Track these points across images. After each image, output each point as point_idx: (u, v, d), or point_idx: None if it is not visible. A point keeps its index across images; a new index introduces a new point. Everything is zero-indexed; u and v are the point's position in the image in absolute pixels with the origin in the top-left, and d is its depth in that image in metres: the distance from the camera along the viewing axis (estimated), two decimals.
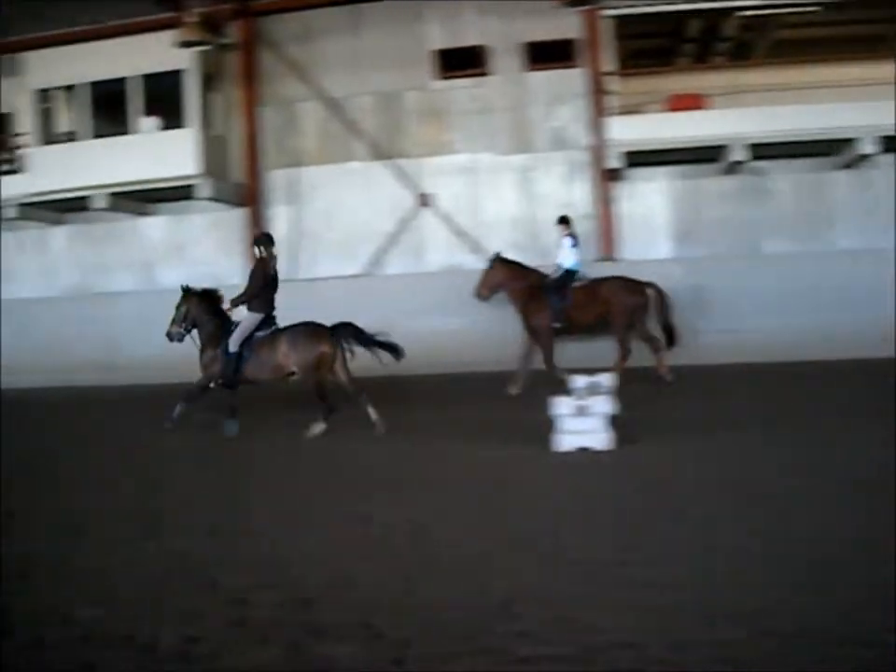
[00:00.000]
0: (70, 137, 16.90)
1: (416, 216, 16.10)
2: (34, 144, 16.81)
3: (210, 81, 16.61)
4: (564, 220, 12.49)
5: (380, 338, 9.12)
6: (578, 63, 15.65)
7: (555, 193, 15.75)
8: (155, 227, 17.50)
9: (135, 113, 16.35)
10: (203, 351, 9.37)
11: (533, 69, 15.84)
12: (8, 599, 4.06)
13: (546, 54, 15.70)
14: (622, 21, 15.07)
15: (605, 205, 15.52)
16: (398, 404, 10.39)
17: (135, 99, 16.30)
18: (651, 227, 15.61)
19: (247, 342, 9.12)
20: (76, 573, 4.49)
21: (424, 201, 16.07)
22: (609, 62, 15.30)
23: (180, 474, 7.50)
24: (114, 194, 16.45)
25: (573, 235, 12.35)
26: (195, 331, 9.59)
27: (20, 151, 17.28)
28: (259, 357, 9.09)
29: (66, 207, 17.24)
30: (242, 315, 9.28)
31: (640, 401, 8.14)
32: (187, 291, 9.60)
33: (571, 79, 15.64)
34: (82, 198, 16.50)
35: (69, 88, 16.87)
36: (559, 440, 7.28)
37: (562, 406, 7.27)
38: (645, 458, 6.92)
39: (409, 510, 5.54)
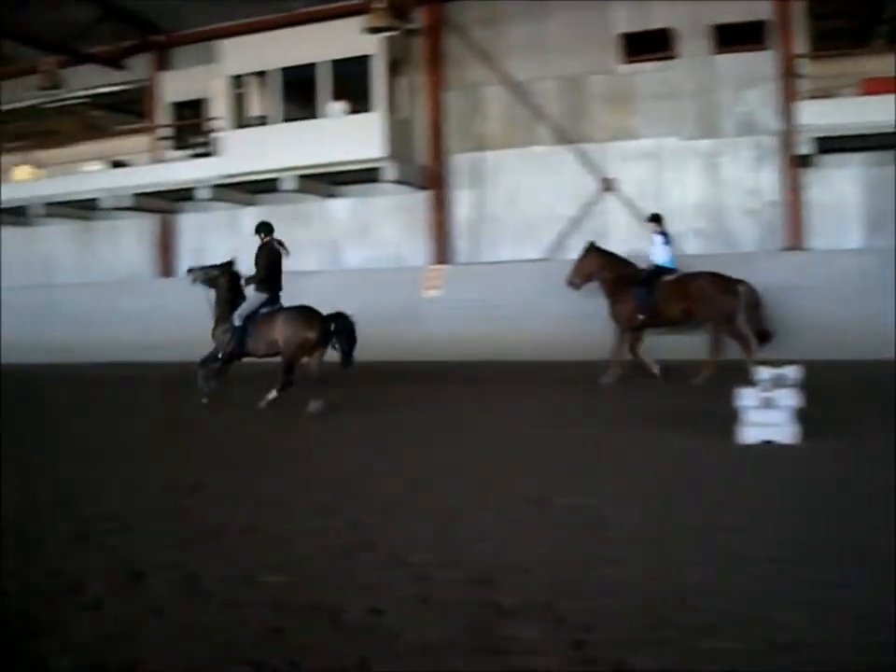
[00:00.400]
0: (261, 121, 18.60)
1: (599, 200, 17.10)
2: (227, 128, 18.61)
3: (396, 66, 17.99)
4: (655, 219, 13.23)
5: (350, 341, 10.16)
6: (768, 46, 16.19)
7: (742, 179, 16.43)
8: (341, 208, 19.13)
9: (324, 98, 17.87)
10: (216, 323, 10.79)
11: (721, 52, 16.50)
12: (203, 562, 4.49)
13: (735, 36, 16.30)
14: (814, 0, 15.40)
15: (793, 192, 16.10)
16: (585, 389, 11.53)
17: (324, 84, 17.80)
18: (842, 215, 16.06)
19: (251, 318, 10.45)
20: (266, 540, 4.93)
21: (607, 185, 17.03)
22: (800, 44, 15.78)
23: (355, 448, 8.03)
24: (302, 176, 18.05)
25: (664, 233, 13.05)
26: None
27: (214, 135, 19.08)
28: (259, 332, 10.36)
29: (257, 189, 19.00)
30: (249, 293, 10.73)
31: (821, 396, 7.81)
32: (218, 266, 11.28)
33: (761, 62, 16.21)
34: (272, 180, 18.12)
35: (261, 74, 18.55)
36: (744, 432, 7.37)
37: (748, 397, 7.38)
38: (831, 454, 6.92)
39: (592, 495, 5.73)
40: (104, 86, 21.43)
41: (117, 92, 21.75)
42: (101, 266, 21.91)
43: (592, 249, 13.40)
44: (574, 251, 16.29)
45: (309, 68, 17.91)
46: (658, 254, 12.94)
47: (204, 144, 19.74)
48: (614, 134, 17.08)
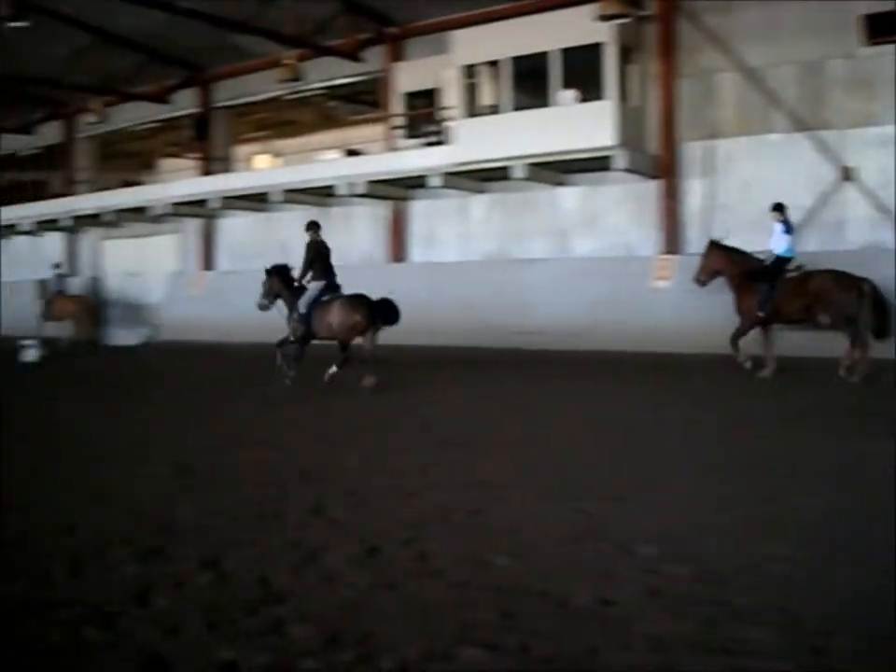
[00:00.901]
0: (492, 110, 20.29)
1: (837, 190, 17.81)
2: (459, 117, 20.46)
3: (628, 54, 19.34)
4: (777, 207, 13.81)
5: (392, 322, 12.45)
6: None
7: None
8: (570, 197, 20.75)
9: (555, 86, 19.36)
10: (289, 312, 12.93)
11: None
12: (434, 542, 4.92)
13: None
14: None
15: None
16: (813, 387, 12.18)
17: (555, 72, 19.27)
18: None
19: (314, 305, 12.63)
20: (492, 524, 5.34)
21: (846, 174, 17.77)
22: None
23: (580, 438, 8.50)
24: (532, 164, 19.68)
25: (786, 222, 13.67)
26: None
27: (446, 124, 20.98)
28: (319, 317, 12.53)
29: (487, 177, 20.87)
30: (312, 285, 12.89)
31: None
32: (268, 271, 13.33)
33: None
34: (502, 168, 19.87)
35: (493, 63, 20.22)
36: None
37: None
38: None
39: (828, 495, 5.85)
40: (340, 78, 23.96)
41: (352, 84, 24.20)
42: (335, 251, 24.26)
43: (714, 246, 14.28)
44: (809, 243, 17.22)
45: (540, 57, 19.43)
46: (778, 243, 13.63)
47: (436, 132, 21.74)
48: (854, 121, 17.73)
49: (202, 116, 27.03)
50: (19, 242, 33.35)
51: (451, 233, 22.47)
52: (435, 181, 20.99)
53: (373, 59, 23.14)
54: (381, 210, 23.68)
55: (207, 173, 27.02)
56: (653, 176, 19.51)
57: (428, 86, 21.96)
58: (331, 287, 12.99)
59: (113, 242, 30.35)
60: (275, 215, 25.45)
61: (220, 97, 27.06)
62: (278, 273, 13.33)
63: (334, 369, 12.43)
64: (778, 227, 13.70)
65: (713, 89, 19.07)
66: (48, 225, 30.49)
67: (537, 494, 6.08)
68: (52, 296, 24.85)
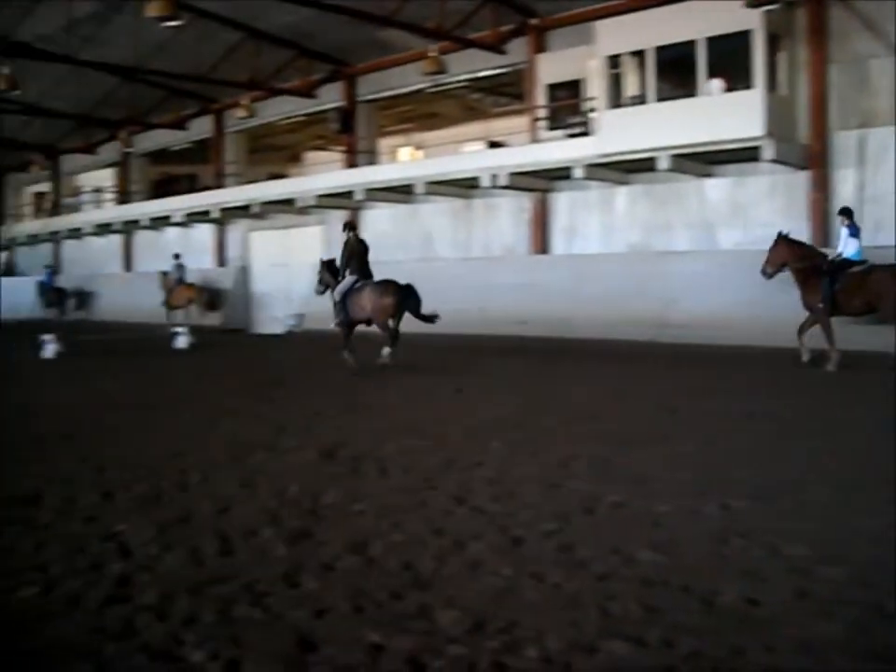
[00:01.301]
0: (637, 101, 20.20)
1: None
2: (602, 108, 20.45)
3: (776, 41, 19.06)
4: (844, 212, 14.68)
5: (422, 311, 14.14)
6: None
7: None
8: (716, 188, 20.54)
9: (701, 75, 19.14)
10: (334, 303, 14.74)
11: None
12: (578, 534, 4.97)
13: None
14: None
15: None
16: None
17: (701, 61, 19.06)
18: None
19: (349, 293, 14.40)
20: (636, 517, 5.38)
21: None
22: None
23: (727, 437, 8.24)
24: (678, 156, 19.56)
25: (851, 226, 14.33)
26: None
27: (590, 115, 21.01)
28: (354, 303, 14.28)
29: (631, 168, 20.80)
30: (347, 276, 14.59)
31: None
32: (322, 263, 15.36)
33: None
34: (647, 159, 19.77)
35: (637, 53, 20.13)
36: None
37: None
38: None
39: None
40: (483, 70, 24.23)
41: (495, 76, 24.44)
42: (477, 242, 24.68)
43: (781, 239, 14.75)
44: None
45: (686, 46, 19.26)
46: (846, 246, 14.19)
47: (580, 124, 21.78)
48: None
49: (346, 109, 27.69)
50: (170, 233, 34.81)
51: (594, 225, 22.53)
52: (578, 172, 21.06)
53: (516, 50, 23.34)
54: (523, 202, 23.85)
55: (352, 165, 27.70)
56: (803, 167, 19.17)
57: (572, 77, 22.08)
58: (364, 278, 14.63)
59: (259, 233, 31.34)
60: (418, 206, 25.92)
61: (364, 91, 27.72)
62: (327, 266, 15.18)
63: (388, 350, 13.84)
64: (844, 231, 14.41)
65: (867, 75, 18.60)
66: (198, 217, 31.69)
67: (681, 489, 6.05)
68: (173, 285, 27.76)
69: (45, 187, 43.65)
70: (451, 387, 12.16)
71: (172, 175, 39.62)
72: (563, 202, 23.21)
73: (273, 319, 26.56)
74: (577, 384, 12.86)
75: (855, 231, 14.31)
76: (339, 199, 26.61)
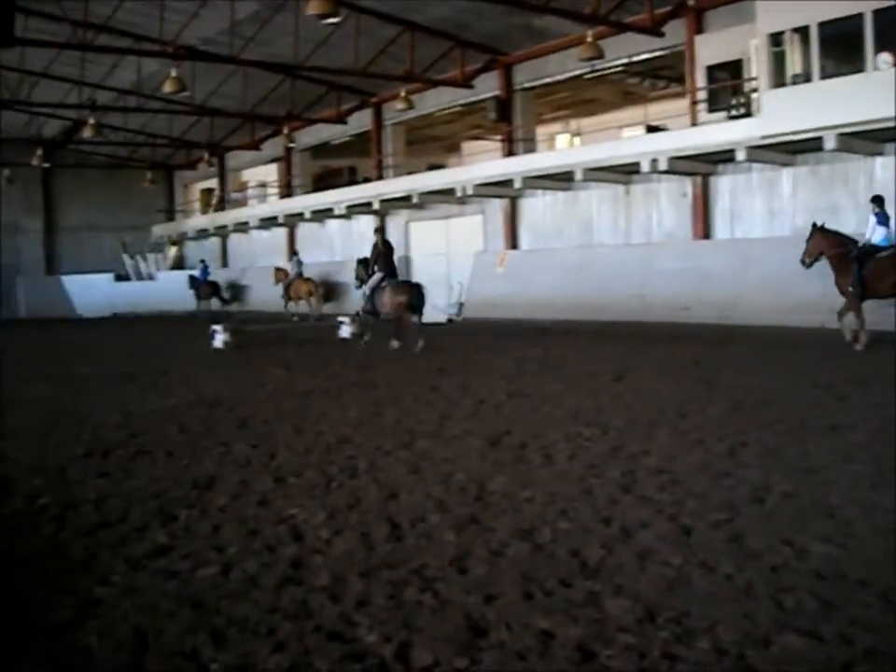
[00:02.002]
0: (801, 79, 19.72)
1: None
2: (765, 88, 20.06)
3: None
4: (875, 199, 15.57)
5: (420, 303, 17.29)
6: None
7: None
8: (887, 167, 19.83)
9: (868, 49, 18.56)
10: (364, 295, 17.94)
11: None
12: (748, 523, 5.01)
13: None
14: None
15: None
16: None
17: (868, 35, 18.47)
18: None
19: (376, 288, 17.35)
20: (808, 508, 5.34)
21: None
22: None
23: None
24: (845, 134, 19.03)
25: (880, 213, 15.27)
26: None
27: (752, 95, 20.67)
28: (380, 297, 17.17)
29: (795, 149, 20.38)
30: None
31: None
32: (358, 261, 18.74)
33: None
34: (812, 139, 19.33)
35: (800, 29, 19.63)
36: None
37: None
38: None
39: None
40: (640, 53, 24.06)
41: (652, 59, 24.26)
42: (638, 228, 24.61)
43: (816, 230, 15.89)
44: None
45: (852, 20, 18.70)
46: (874, 233, 15.18)
47: (741, 105, 21.47)
48: None
49: (503, 98, 27.95)
50: (331, 225, 35.87)
51: (757, 208, 22.18)
52: (740, 155, 20.77)
53: (674, 32, 23.11)
54: (684, 186, 23.66)
55: (509, 154, 27.96)
56: None
57: (732, 57, 21.79)
58: (390, 276, 17.56)
59: (419, 223, 31.94)
60: (577, 193, 26.01)
61: (521, 79, 27.94)
62: (362, 264, 18.44)
63: (396, 343, 16.79)
64: (873, 219, 15.36)
65: None
66: (359, 209, 32.52)
67: (855, 480, 5.97)
68: (293, 278, 31.87)
69: (212, 183, 45.53)
70: (612, 375, 12.29)
71: (332, 169, 40.77)
72: (724, 185, 22.91)
73: (433, 308, 27.10)
74: (742, 371, 12.86)
75: (883, 219, 15.25)
76: (497, 187, 26.94)
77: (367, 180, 34.42)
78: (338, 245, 36.05)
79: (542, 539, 4.83)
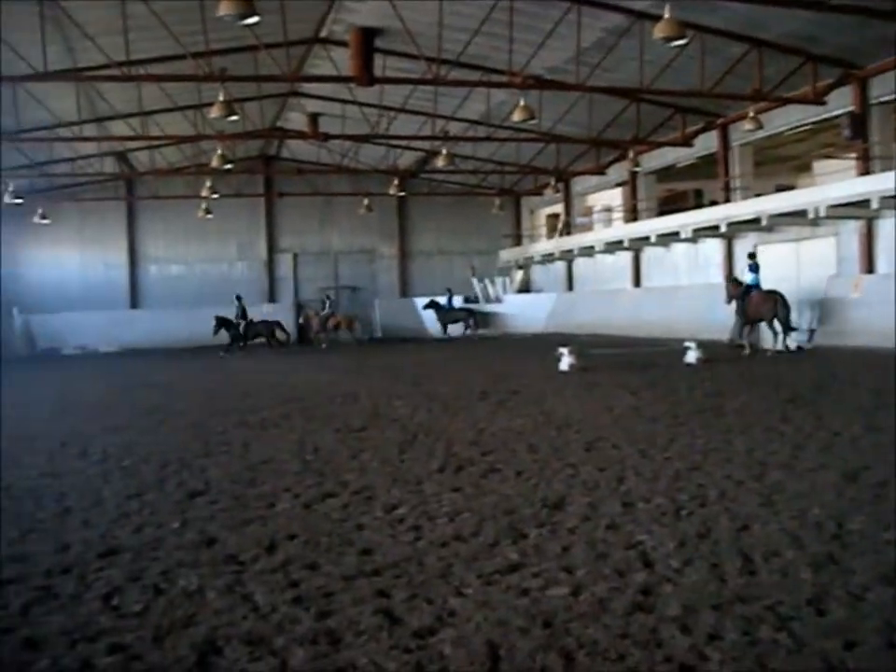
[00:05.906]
0: None
1: None
2: None
3: None
4: (750, 256, 23.57)
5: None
6: None
7: None
8: None
9: None
10: None
11: None
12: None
13: None
14: None
15: None
16: None
17: None
18: None
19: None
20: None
21: None
22: None
23: None
24: None
25: (752, 265, 23.09)
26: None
27: None
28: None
29: None
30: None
31: None
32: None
33: None
34: None
35: None
36: None
37: None
38: None
39: None
40: None
41: None
42: None
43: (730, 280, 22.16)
44: None
45: None
46: (746, 277, 21.77)
47: None
48: None
49: (858, 114, 27.08)
50: (677, 249, 36.10)
51: None
52: None
53: None
54: None
55: (865, 172, 27.02)
56: None
57: None
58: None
59: (766, 246, 31.49)
60: None
61: (878, 92, 26.95)
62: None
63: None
64: (746, 267, 20.49)
65: None
66: (704, 232, 32.54)
67: None
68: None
69: (557, 208, 47.08)
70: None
71: (678, 192, 40.94)
72: None
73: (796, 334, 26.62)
74: None
75: (751, 268, 23.09)
76: (852, 208, 26.17)
77: (713, 203, 34.34)
78: (683, 268, 36.22)
79: None
